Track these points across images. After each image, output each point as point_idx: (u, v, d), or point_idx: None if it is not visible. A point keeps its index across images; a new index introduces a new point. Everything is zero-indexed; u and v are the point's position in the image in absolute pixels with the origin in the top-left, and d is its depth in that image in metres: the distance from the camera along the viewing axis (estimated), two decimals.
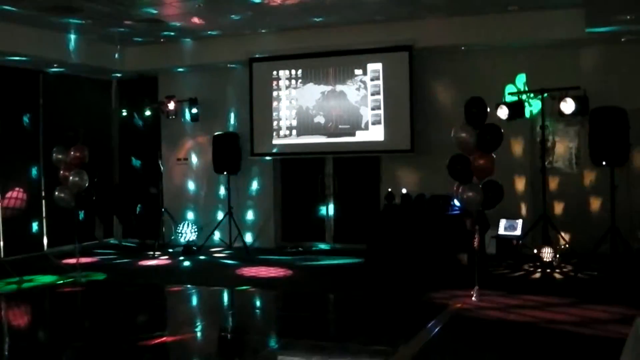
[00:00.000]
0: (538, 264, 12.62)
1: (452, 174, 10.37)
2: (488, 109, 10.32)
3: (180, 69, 16.83)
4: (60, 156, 12.91)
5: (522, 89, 14.05)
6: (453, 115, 12.64)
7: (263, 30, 15.16)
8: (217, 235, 16.23)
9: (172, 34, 15.29)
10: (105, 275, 13.27)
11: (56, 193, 13.05)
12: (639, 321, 4.69)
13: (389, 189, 14.01)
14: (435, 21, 14.11)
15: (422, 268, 12.28)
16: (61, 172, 12.96)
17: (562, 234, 13.29)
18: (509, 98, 13.57)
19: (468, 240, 11.09)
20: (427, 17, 14.01)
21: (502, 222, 13.73)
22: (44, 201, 15.92)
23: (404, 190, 13.83)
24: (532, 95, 13.70)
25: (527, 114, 13.62)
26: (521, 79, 14.18)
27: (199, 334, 9.39)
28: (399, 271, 12.41)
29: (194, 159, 17.17)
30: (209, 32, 15.30)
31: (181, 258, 15.09)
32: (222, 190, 16.54)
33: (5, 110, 15.13)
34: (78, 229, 13.59)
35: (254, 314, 10.81)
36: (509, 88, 14.01)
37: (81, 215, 13.45)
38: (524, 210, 14.27)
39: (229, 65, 16.36)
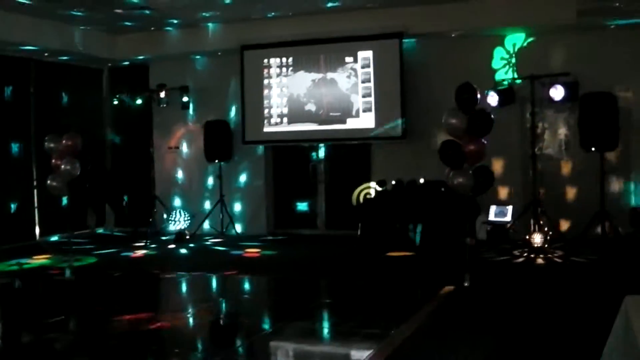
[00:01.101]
0: (528, 249, 12.69)
1: (444, 159, 10.42)
2: (478, 95, 10.36)
3: (171, 57, 16.82)
4: (52, 144, 12.90)
5: (512, 75, 14.11)
6: (444, 102, 12.67)
7: (254, 18, 15.16)
8: (207, 223, 16.25)
9: (164, 21, 15.30)
10: (95, 260, 13.34)
11: (48, 181, 13.05)
12: (628, 300, 4.76)
13: (381, 176, 14.08)
14: (425, 8, 14.13)
15: (415, 252, 12.35)
16: (53, 160, 12.96)
17: (552, 219, 13.36)
18: (499, 84, 13.62)
19: (460, 225, 11.13)
20: (417, 4, 14.04)
21: (493, 208, 13.82)
22: (35, 190, 15.93)
23: (395, 177, 13.87)
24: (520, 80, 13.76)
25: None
26: (511, 66, 14.23)
27: (192, 319, 9.44)
28: (390, 256, 12.47)
29: (186, 147, 17.19)
30: (200, 20, 15.31)
31: (172, 246, 15.11)
32: (213, 179, 16.55)
33: None
34: (70, 217, 13.60)
35: (246, 298, 10.87)
36: (499, 74, 14.07)
37: (67, 201, 13.40)
38: (514, 196, 14.34)
39: (220, 53, 16.37)
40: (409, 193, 13.34)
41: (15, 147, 15.64)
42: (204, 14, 14.73)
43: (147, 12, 14.21)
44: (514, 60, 14.24)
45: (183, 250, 14.61)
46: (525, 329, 7.94)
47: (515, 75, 14.06)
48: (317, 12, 14.61)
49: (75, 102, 16.89)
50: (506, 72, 14.32)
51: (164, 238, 15.97)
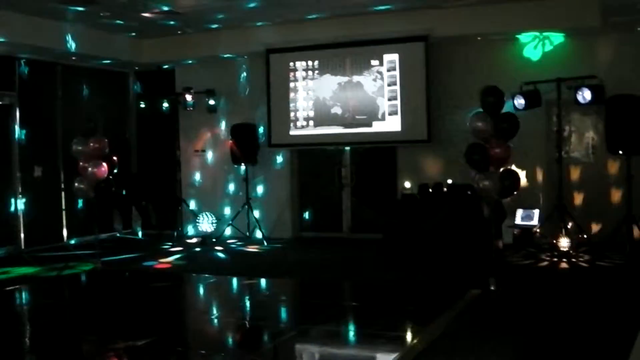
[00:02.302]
0: (555, 253, 12.62)
1: (470, 162, 10.40)
2: (504, 98, 10.34)
3: (197, 61, 16.88)
4: (79, 147, 12.98)
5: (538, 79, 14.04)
6: (470, 105, 12.64)
7: (280, 21, 15.18)
8: (234, 226, 16.28)
9: (189, 25, 15.34)
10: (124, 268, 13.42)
11: (75, 184, 13.13)
12: None
13: (407, 179, 14.05)
14: (451, 11, 14.08)
15: (440, 256, 12.30)
16: (80, 163, 13.03)
17: (579, 223, 13.28)
18: (525, 87, 13.55)
19: (486, 229, 11.09)
20: (442, 6, 14.00)
21: (519, 212, 13.76)
22: (63, 193, 16.04)
23: (421, 180, 13.83)
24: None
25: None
26: (537, 68, 14.15)
27: (219, 322, 9.47)
28: (417, 259, 12.43)
29: (212, 150, 17.23)
30: (226, 24, 15.34)
31: (198, 249, 15.16)
32: (239, 181, 16.56)
33: (25, 102, 15.26)
34: (97, 220, 13.67)
35: (271, 301, 10.88)
36: (526, 77, 14.00)
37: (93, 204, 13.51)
38: (540, 200, 14.27)
39: (245, 56, 16.41)
40: (435, 196, 13.29)
41: (42, 151, 15.73)
42: (229, 17, 14.75)
43: (173, 17, 14.28)
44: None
45: (210, 254, 14.65)
46: (550, 334, 7.90)
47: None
48: (342, 15, 14.60)
49: (101, 106, 16.97)
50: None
51: (189, 241, 16.02)
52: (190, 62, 17.00)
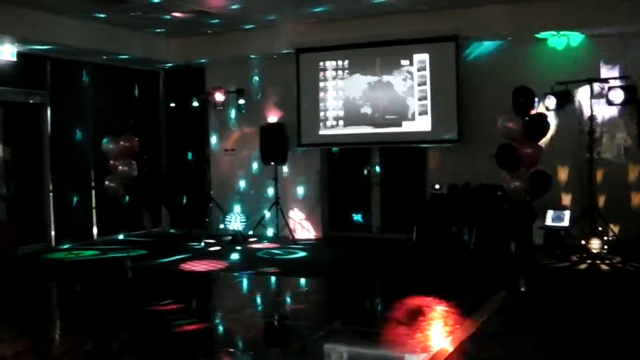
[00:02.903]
0: (585, 255, 12.53)
1: (500, 163, 10.36)
2: (535, 99, 10.29)
3: (227, 60, 16.92)
4: (110, 146, 13.06)
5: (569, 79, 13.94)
6: (500, 105, 12.58)
7: (310, 21, 15.18)
8: (264, 225, 16.29)
9: (219, 24, 15.37)
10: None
11: (106, 182, 13.20)
12: None
13: (436, 179, 14.00)
14: (481, 10, 14.00)
15: (469, 256, 12.25)
16: (111, 161, 13.11)
17: (610, 225, 13.18)
18: (556, 87, 13.45)
19: (516, 230, 11.04)
20: (472, 6, 13.94)
21: (550, 213, 13.65)
22: (93, 191, 16.13)
23: (451, 181, 13.79)
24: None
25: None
26: (569, 68, 14.04)
27: (246, 320, 9.47)
28: (445, 259, 12.39)
29: (241, 149, 17.26)
30: (256, 23, 15.37)
31: (228, 247, 15.20)
32: (269, 181, 16.58)
33: (56, 100, 15.38)
34: (127, 218, 13.74)
35: (300, 300, 10.87)
36: (557, 77, 13.89)
37: (124, 202, 13.62)
38: (571, 201, 14.16)
39: (275, 56, 16.42)
40: (465, 197, 13.24)
41: (73, 149, 15.84)
42: (259, 17, 14.76)
43: (204, 17, 14.31)
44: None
45: (233, 252, 14.70)
46: (581, 336, 7.85)
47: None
48: (372, 15, 14.57)
49: (131, 105, 17.07)
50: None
51: (217, 240, 16.06)
52: (220, 61, 17.01)
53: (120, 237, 15.78)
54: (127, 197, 13.30)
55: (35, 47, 14.39)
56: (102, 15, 14.17)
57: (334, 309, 10.06)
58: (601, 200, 13.74)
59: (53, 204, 15.34)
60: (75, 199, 15.79)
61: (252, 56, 16.53)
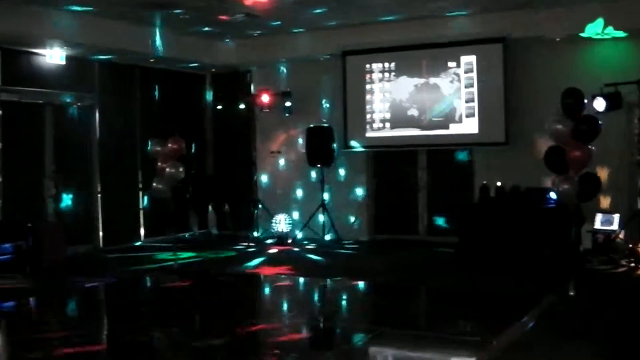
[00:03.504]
0: (634, 259, 12.37)
1: (549, 165, 10.26)
2: (585, 100, 10.17)
3: (274, 63, 16.95)
4: (157, 148, 13.13)
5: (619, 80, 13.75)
6: (548, 107, 12.45)
7: (356, 23, 15.16)
8: (310, 228, 16.29)
9: (266, 27, 15.40)
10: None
11: (153, 184, 13.27)
12: None
13: (484, 182, 13.90)
14: (528, 12, 13.88)
15: (516, 261, 12.14)
16: (158, 164, 13.18)
17: None
18: (605, 89, 13.29)
19: (564, 235, 10.92)
20: (520, 7, 13.82)
21: (598, 217, 13.48)
22: (140, 193, 16.26)
23: (498, 183, 13.66)
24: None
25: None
26: (619, 70, 13.85)
27: (292, 323, 9.46)
28: (492, 263, 12.29)
29: (288, 151, 17.28)
30: (302, 25, 15.39)
31: (274, 249, 15.23)
32: (315, 183, 16.59)
33: (104, 103, 15.52)
34: (174, 220, 13.81)
35: (346, 303, 10.85)
36: (606, 79, 13.72)
37: (170, 204, 13.70)
38: (620, 204, 13.97)
39: (322, 58, 16.43)
40: (512, 200, 13.12)
41: (121, 151, 15.97)
42: (306, 20, 14.78)
43: (250, 20, 14.34)
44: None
45: (280, 254, 14.71)
46: (630, 341, 7.74)
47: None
48: (419, 17, 14.52)
49: (178, 107, 17.18)
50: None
51: (263, 241, 16.10)
52: (266, 63, 17.05)
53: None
54: (174, 199, 13.36)
55: (84, 50, 14.54)
56: (150, 20, 14.28)
57: (381, 311, 10.02)
58: None
59: (101, 205, 15.48)
60: (123, 200, 15.93)
61: (298, 59, 16.53)
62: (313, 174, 16.63)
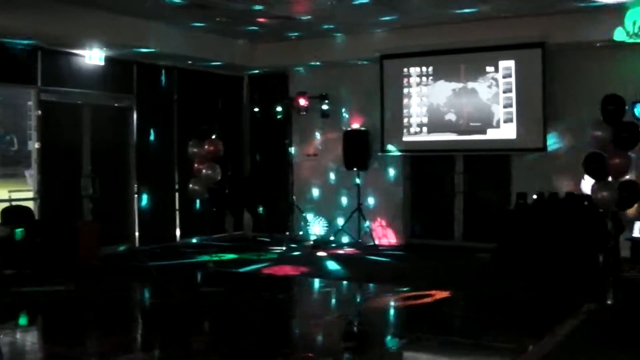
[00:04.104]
0: None
1: (588, 172, 10.15)
2: (626, 107, 10.05)
3: (311, 66, 16.95)
4: (195, 149, 13.17)
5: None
6: (588, 113, 12.31)
7: (394, 27, 15.12)
8: (345, 231, 16.24)
9: (304, 30, 15.41)
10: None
11: (190, 185, 13.30)
12: None
13: (521, 188, 13.79)
14: (568, 16, 13.75)
15: (554, 268, 12.03)
16: (195, 165, 13.21)
17: None
18: None
19: (604, 242, 10.79)
20: (560, 12, 13.69)
21: (637, 224, 13.31)
22: (177, 193, 16.31)
23: (536, 190, 13.55)
24: None
25: None
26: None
27: (327, 326, 9.45)
28: (530, 270, 12.18)
29: (324, 154, 17.27)
30: (340, 29, 15.38)
31: (309, 252, 15.22)
32: (351, 186, 16.56)
33: (142, 104, 15.61)
34: (210, 221, 13.83)
35: (382, 309, 10.81)
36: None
37: (206, 205, 13.71)
38: None
39: (359, 62, 16.40)
40: (550, 206, 13.01)
41: (158, 152, 16.05)
42: (344, 23, 14.76)
43: (288, 23, 14.35)
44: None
45: (316, 256, 14.70)
46: None
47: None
48: (457, 21, 14.46)
49: (216, 109, 17.23)
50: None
51: (298, 244, 16.09)
52: (304, 66, 17.06)
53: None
54: (211, 201, 13.38)
55: (122, 52, 14.63)
56: (188, 21, 14.33)
57: (417, 317, 9.97)
58: None
59: (137, 205, 15.56)
60: (159, 201, 16.00)
61: (336, 62, 16.51)
62: (349, 178, 16.58)
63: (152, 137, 15.91)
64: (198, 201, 14.00)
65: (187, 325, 9.35)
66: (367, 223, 15.98)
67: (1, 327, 9.06)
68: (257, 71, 17.74)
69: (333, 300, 11.59)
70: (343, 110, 16.82)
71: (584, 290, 10.69)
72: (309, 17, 14.10)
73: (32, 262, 12.43)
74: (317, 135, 17.35)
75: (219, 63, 16.49)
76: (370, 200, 16.49)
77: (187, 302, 10.91)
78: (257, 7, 13.16)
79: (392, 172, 16.43)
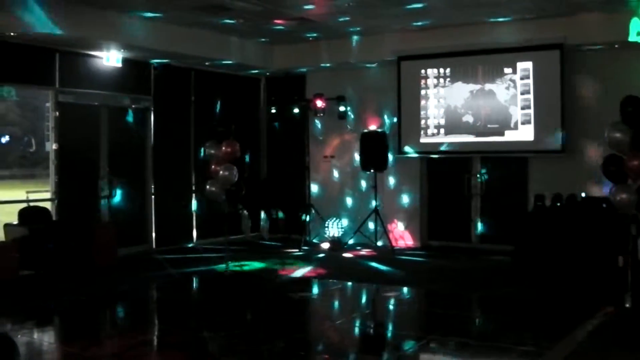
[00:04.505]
0: None
1: (606, 174, 10.08)
2: None
3: (328, 67, 16.93)
4: (212, 151, 13.16)
5: None
6: (606, 115, 12.23)
7: (411, 29, 15.08)
8: (362, 233, 16.20)
9: (321, 32, 15.40)
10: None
11: (207, 187, 13.30)
12: None
13: (539, 190, 13.73)
14: (586, 17, 13.68)
15: (573, 270, 11.96)
16: (212, 166, 13.20)
17: None
18: None
19: (623, 244, 10.72)
20: (578, 13, 13.63)
21: None
22: (194, 195, 16.33)
23: (553, 192, 13.48)
24: None
25: None
26: None
27: (344, 328, 9.44)
28: (548, 272, 12.12)
29: (341, 156, 17.24)
30: (356, 31, 15.36)
31: (325, 254, 15.21)
32: (368, 188, 16.52)
33: (160, 105, 15.64)
34: (225, 223, 13.81)
35: (399, 311, 10.79)
36: None
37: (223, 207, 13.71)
38: None
39: (376, 63, 16.37)
40: (568, 209, 12.94)
41: (175, 153, 16.08)
42: (361, 25, 14.75)
43: (305, 25, 14.34)
44: None
45: (332, 258, 14.67)
46: None
47: None
48: (474, 22, 14.41)
49: (233, 110, 17.23)
50: None
51: (316, 246, 16.07)
52: (321, 68, 17.04)
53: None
54: (227, 202, 13.36)
55: (139, 53, 14.67)
56: (205, 23, 14.33)
57: (434, 319, 9.94)
58: None
59: (154, 206, 15.58)
60: (176, 202, 16.03)
61: (353, 63, 16.49)
62: (366, 179, 16.55)
63: (169, 139, 15.92)
64: (215, 202, 13.97)
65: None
66: (384, 225, 15.92)
67: (19, 327, 9.10)
68: (274, 72, 17.70)
69: (347, 302, 11.56)
70: (360, 111, 16.77)
71: (603, 293, 10.62)
72: (326, 18, 14.07)
73: (49, 263, 12.47)
74: (334, 136, 17.31)
75: (236, 64, 16.47)
76: (387, 202, 16.45)
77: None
78: (274, 9, 13.18)
79: (409, 173, 16.38)
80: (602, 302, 9.96)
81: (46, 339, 9.16)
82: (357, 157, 16.44)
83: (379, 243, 15.93)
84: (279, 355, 8.00)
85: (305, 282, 12.68)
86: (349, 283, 12.39)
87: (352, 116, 16.80)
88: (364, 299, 11.81)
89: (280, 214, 17.97)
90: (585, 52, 14.34)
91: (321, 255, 15.21)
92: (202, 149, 13.93)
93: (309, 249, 15.77)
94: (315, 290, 12.36)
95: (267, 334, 8.82)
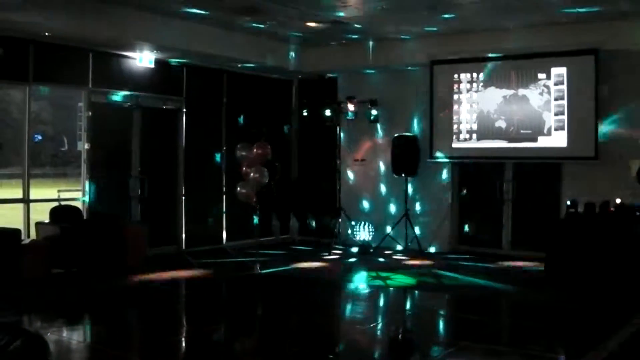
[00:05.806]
0: None
1: None
2: None
3: (361, 70, 16.90)
4: (243, 153, 13.19)
5: None
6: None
7: (445, 33, 15.01)
8: (392, 237, 16.16)
9: (354, 35, 15.38)
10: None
11: (238, 189, 13.33)
12: None
13: (572, 197, 13.61)
14: (622, 23, 13.54)
15: (606, 278, 11.84)
16: (243, 168, 13.23)
17: None
18: None
19: None
20: (614, 19, 13.49)
21: None
22: (224, 196, 16.35)
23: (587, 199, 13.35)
24: None
25: None
26: None
27: (373, 333, 9.40)
28: (581, 280, 12.00)
29: (372, 159, 17.20)
30: (390, 34, 15.31)
31: (355, 258, 15.18)
32: (399, 192, 16.46)
33: (191, 107, 15.67)
34: (257, 225, 13.83)
35: (429, 315, 10.73)
36: None
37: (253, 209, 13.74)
38: None
39: (409, 67, 16.31)
40: (602, 216, 12.81)
41: (206, 154, 16.12)
42: (394, 28, 14.70)
43: (338, 27, 14.32)
44: None
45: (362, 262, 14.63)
46: None
47: None
48: (508, 27, 14.31)
49: (265, 112, 17.24)
50: None
51: (345, 249, 16.05)
52: (353, 71, 17.01)
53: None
54: (258, 204, 13.39)
55: (172, 54, 14.72)
56: (238, 25, 14.35)
57: (465, 325, 9.88)
58: None
59: (185, 207, 15.62)
60: (206, 203, 16.07)
61: (386, 67, 16.44)
62: (397, 184, 16.49)
63: (200, 140, 15.96)
64: (246, 204, 14.00)
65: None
66: (415, 229, 15.86)
67: (49, 325, 9.13)
68: (306, 74, 17.68)
69: (376, 307, 11.51)
70: (392, 115, 16.72)
71: (635, 302, 10.51)
72: (359, 21, 14.06)
73: (80, 262, 12.53)
74: (366, 140, 17.28)
75: (268, 66, 16.47)
76: (418, 207, 16.40)
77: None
78: (307, 11, 13.17)
79: (440, 178, 16.31)
80: (635, 312, 9.85)
81: (75, 337, 9.18)
82: (388, 160, 16.37)
83: (409, 247, 15.84)
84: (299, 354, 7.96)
85: (329, 284, 12.65)
86: (376, 287, 12.32)
87: (384, 120, 16.73)
88: (392, 304, 11.75)
89: (312, 218, 17.95)
90: (620, 58, 14.19)
91: (350, 258, 15.17)
92: (234, 151, 13.97)
93: (338, 252, 15.73)
94: (336, 292, 12.32)
95: (294, 338, 8.78)
